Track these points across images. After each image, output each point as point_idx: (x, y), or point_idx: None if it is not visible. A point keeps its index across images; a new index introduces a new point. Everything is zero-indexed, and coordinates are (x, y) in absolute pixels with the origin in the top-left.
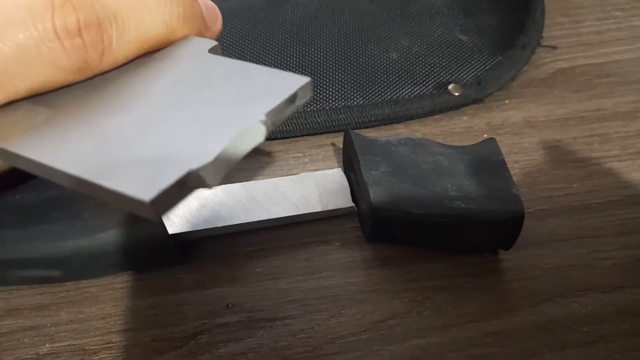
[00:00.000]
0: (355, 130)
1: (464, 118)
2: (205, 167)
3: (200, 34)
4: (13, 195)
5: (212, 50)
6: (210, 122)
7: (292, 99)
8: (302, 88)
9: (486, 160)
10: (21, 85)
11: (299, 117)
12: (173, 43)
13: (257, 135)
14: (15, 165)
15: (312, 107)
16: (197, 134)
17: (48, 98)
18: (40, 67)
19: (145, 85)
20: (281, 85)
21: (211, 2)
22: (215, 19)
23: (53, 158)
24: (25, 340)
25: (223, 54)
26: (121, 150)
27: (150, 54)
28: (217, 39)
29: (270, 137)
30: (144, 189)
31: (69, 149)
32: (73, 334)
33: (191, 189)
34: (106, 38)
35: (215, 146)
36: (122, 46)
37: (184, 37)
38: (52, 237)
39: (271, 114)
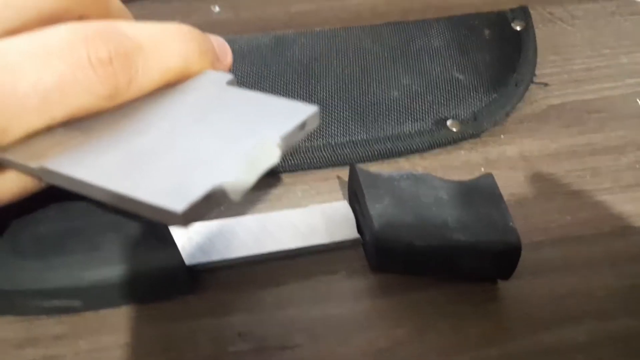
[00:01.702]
0: (359, 165)
1: (462, 152)
2: (229, 182)
3: (214, 67)
4: (35, 226)
5: (229, 83)
6: (232, 143)
7: (302, 125)
8: (311, 116)
9: (484, 195)
10: (61, 111)
11: (306, 151)
12: (191, 76)
13: (272, 156)
14: (54, 182)
15: (318, 142)
16: (220, 153)
17: (81, 124)
18: (77, 93)
19: (169, 111)
20: (293, 112)
21: (221, 39)
22: (226, 54)
23: (90, 174)
24: None
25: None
26: (151, 166)
27: (171, 86)
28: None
29: (279, 171)
30: (176, 201)
31: (103, 166)
32: None
33: (216, 203)
34: (133, 67)
35: (237, 164)
36: (147, 75)
37: (202, 71)
38: (72, 267)
39: (285, 137)
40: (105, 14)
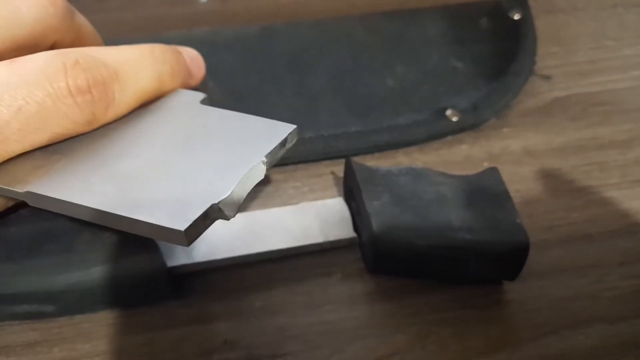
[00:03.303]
0: (355, 159)
1: (463, 147)
2: (224, 200)
3: (186, 83)
4: (6, 228)
5: (203, 102)
6: (220, 164)
7: (283, 142)
8: (290, 134)
9: (489, 190)
10: (41, 136)
11: (296, 143)
12: (164, 95)
13: (259, 174)
14: (41, 206)
15: (310, 134)
16: (210, 174)
17: (61, 146)
18: (57, 120)
19: (147, 133)
20: (273, 131)
21: (195, 52)
22: (199, 67)
23: (81, 196)
24: None
25: (220, 88)
26: (143, 188)
27: (146, 105)
28: (204, 83)
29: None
30: (178, 221)
31: (93, 188)
32: None
33: (213, 220)
34: (110, 93)
35: (229, 183)
36: (124, 99)
37: (175, 91)
38: (44, 271)
39: (269, 155)
40: (78, 39)
